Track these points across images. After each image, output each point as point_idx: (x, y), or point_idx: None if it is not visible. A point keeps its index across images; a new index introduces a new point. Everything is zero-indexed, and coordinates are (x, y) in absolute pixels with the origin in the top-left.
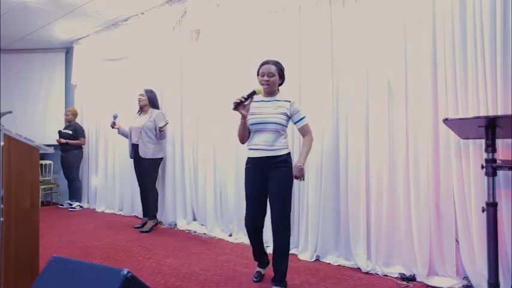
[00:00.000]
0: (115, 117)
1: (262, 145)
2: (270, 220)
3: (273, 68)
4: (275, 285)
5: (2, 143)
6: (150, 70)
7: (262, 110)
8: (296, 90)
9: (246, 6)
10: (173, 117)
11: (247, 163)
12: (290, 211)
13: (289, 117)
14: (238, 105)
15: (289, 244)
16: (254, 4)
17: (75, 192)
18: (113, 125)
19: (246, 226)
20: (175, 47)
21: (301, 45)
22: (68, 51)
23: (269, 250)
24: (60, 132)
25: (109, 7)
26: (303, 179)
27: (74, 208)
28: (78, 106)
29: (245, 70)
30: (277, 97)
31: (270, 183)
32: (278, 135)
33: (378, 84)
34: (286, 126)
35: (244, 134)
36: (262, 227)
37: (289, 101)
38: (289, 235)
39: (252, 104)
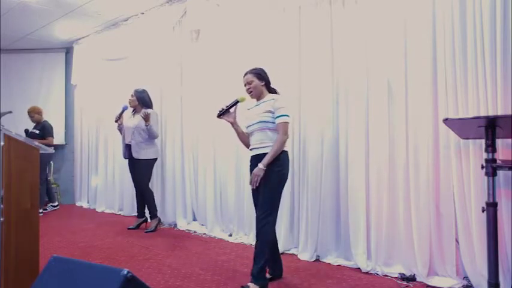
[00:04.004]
0: (125, 108)
1: (254, 144)
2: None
3: (249, 76)
4: (251, 281)
5: (2, 143)
6: (150, 70)
7: (253, 113)
8: (296, 90)
9: (246, 6)
10: (173, 117)
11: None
12: (270, 212)
13: (274, 114)
14: (223, 114)
15: (265, 246)
16: (254, 4)
17: (50, 195)
18: (118, 119)
19: None
20: (175, 47)
21: (301, 45)
22: (68, 51)
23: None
24: (26, 131)
25: (109, 7)
26: (255, 182)
27: (45, 209)
28: (78, 106)
29: (245, 70)
30: (266, 98)
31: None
32: (266, 133)
33: (378, 84)
34: (275, 123)
35: (243, 139)
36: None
37: (273, 99)
38: (266, 238)
39: (247, 111)
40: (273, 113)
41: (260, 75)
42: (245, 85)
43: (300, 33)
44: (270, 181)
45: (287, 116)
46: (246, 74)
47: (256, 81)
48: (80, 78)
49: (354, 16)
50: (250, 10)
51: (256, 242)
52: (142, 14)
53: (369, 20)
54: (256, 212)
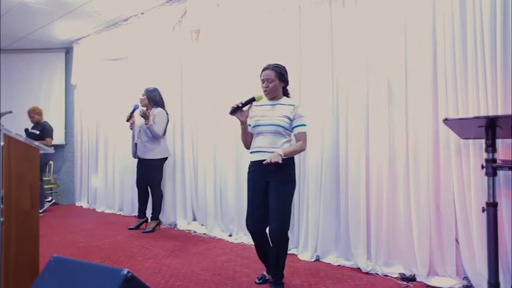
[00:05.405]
0: (136, 108)
1: (263, 147)
2: None
3: (272, 74)
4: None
5: (2, 143)
6: (150, 70)
7: (264, 112)
8: (296, 90)
9: (246, 6)
10: (173, 118)
11: (249, 167)
12: (288, 221)
13: (291, 121)
14: (236, 111)
15: (285, 253)
16: (254, 4)
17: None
18: (129, 118)
19: (248, 231)
20: (175, 47)
21: (301, 45)
22: (68, 51)
23: None
24: (26, 131)
25: (109, 7)
26: (271, 161)
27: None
28: (78, 106)
29: (245, 70)
30: (282, 101)
31: (269, 190)
32: (280, 138)
33: (378, 83)
34: (290, 131)
35: (247, 139)
36: (266, 230)
37: (293, 105)
38: (286, 247)
39: (256, 108)
40: (291, 120)
41: (283, 75)
42: (263, 81)
43: (300, 33)
44: (288, 191)
45: (306, 125)
46: (266, 69)
47: (277, 82)
48: (80, 78)
49: (353, 16)
50: (250, 10)
51: (274, 251)
52: (142, 14)
53: (368, 19)
54: (271, 222)
